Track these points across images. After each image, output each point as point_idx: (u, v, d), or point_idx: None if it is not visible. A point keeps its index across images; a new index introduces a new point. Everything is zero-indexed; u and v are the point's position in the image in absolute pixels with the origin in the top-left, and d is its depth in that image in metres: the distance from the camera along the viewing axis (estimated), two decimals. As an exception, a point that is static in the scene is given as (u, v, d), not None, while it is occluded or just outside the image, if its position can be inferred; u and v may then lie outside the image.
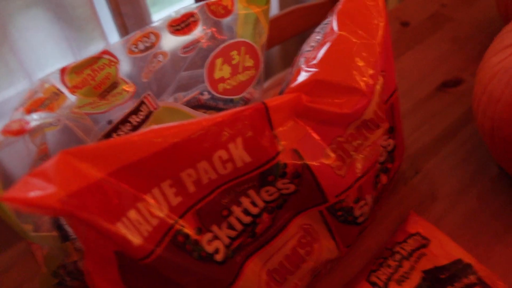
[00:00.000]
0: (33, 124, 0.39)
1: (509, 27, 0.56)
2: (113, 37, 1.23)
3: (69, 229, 0.44)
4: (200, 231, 0.36)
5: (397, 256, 0.49)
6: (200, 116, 0.40)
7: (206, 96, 0.55)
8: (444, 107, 0.70)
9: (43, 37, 1.07)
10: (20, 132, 0.38)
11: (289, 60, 1.75)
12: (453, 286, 0.47)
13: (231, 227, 0.39)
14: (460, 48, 0.82)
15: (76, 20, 1.09)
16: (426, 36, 0.87)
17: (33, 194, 0.26)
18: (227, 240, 0.38)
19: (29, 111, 0.42)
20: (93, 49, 1.15)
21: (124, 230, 0.31)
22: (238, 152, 0.36)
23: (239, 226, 0.39)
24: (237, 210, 0.39)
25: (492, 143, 0.54)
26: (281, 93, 0.45)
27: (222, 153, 0.36)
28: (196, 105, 0.55)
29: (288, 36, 1.23)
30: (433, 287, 0.47)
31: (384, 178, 0.48)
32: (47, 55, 1.09)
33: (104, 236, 0.32)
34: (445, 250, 0.50)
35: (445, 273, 0.48)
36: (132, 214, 0.32)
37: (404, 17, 0.92)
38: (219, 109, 0.55)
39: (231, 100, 0.56)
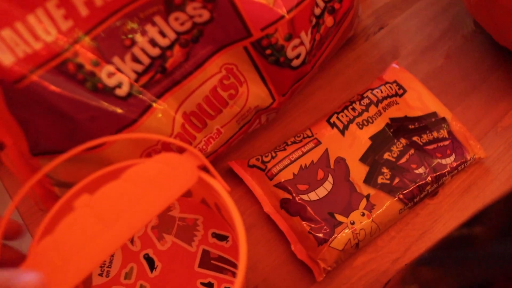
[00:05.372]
0: None
1: None
2: None
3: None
4: (97, 62, 0.32)
5: (366, 101, 0.44)
6: None
7: None
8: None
9: None
10: None
11: None
12: (420, 137, 0.43)
13: (136, 59, 0.34)
14: None
15: None
16: None
17: None
18: (133, 75, 0.34)
19: None
20: None
21: (-8, 46, 0.28)
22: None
23: (145, 59, 0.34)
24: (142, 40, 0.34)
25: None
26: None
27: (112, -38, 0.30)
28: None
29: None
30: (397, 135, 0.42)
31: (329, 20, 0.42)
32: None
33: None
34: (422, 102, 0.45)
35: (415, 124, 0.43)
36: (7, 32, 0.29)
37: None
38: None
39: None
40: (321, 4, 0.40)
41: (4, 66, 0.29)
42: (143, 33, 0.34)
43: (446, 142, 0.43)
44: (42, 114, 0.32)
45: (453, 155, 0.42)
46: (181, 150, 0.37)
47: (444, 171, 0.41)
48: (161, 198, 0.29)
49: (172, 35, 0.34)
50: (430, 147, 0.42)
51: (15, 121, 0.33)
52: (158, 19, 0.34)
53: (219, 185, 0.31)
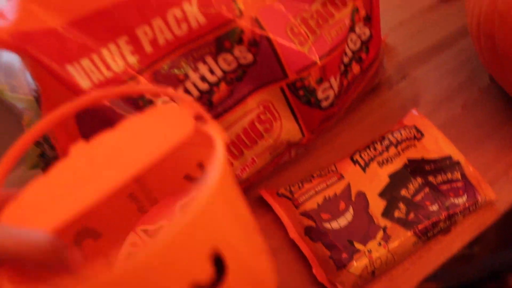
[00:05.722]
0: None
1: None
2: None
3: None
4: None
5: (386, 142, 0.48)
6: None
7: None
8: (444, 17, 0.65)
9: None
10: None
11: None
12: (435, 177, 0.47)
13: (187, 92, 0.39)
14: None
15: None
16: None
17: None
18: None
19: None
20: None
21: (74, 73, 0.34)
22: (193, 12, 0.37)
23: (195, 92, 0.40)
24: (194, 76, 0.39)
25: (478, 43, 0.51)
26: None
27: (176, 12, 0.36)
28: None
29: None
30: (413, 175, 0.47)
31: (356, 68, 0.47)
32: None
33: (61, 83, 0.33)
34: (438, 146, 0.49)
35: (431, 166, 0.47)
36: (85, 62, 0.34)
37: None
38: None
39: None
40: (350, 54, 0.46)
41: (83, 90, 0.34)
42: (195, 70, 0.39)
43: (459, 184, 0.46)
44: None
45: (465, 195, 0.46)
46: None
47: (456, 210, 0.45)
48: (155, 148, 0.30)
49: (219, 73, 0.40)
50: (444, 187, 0.46)
51: (80, 135, 0.37)
52: (208, 59, 0.39)
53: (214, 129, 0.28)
